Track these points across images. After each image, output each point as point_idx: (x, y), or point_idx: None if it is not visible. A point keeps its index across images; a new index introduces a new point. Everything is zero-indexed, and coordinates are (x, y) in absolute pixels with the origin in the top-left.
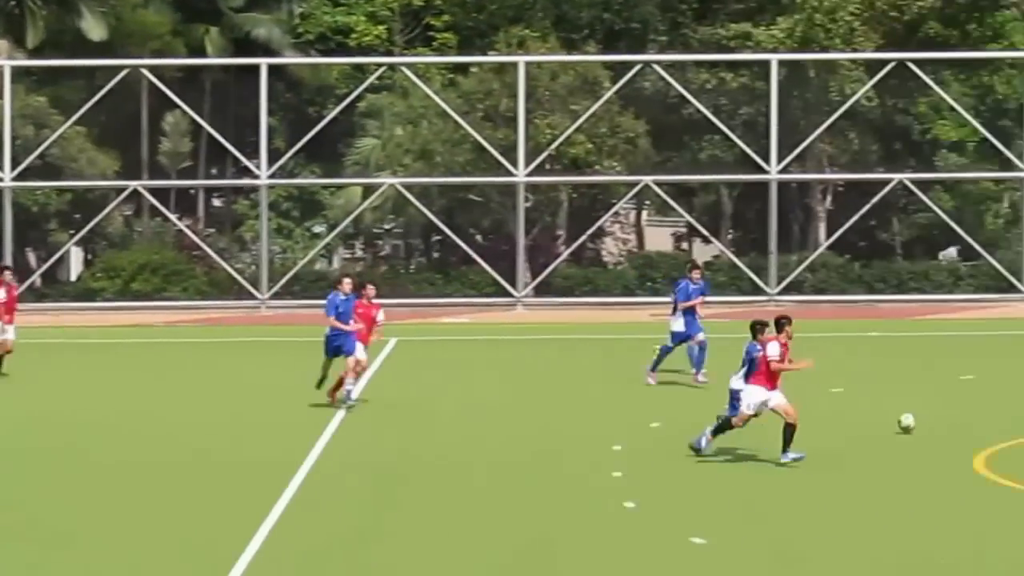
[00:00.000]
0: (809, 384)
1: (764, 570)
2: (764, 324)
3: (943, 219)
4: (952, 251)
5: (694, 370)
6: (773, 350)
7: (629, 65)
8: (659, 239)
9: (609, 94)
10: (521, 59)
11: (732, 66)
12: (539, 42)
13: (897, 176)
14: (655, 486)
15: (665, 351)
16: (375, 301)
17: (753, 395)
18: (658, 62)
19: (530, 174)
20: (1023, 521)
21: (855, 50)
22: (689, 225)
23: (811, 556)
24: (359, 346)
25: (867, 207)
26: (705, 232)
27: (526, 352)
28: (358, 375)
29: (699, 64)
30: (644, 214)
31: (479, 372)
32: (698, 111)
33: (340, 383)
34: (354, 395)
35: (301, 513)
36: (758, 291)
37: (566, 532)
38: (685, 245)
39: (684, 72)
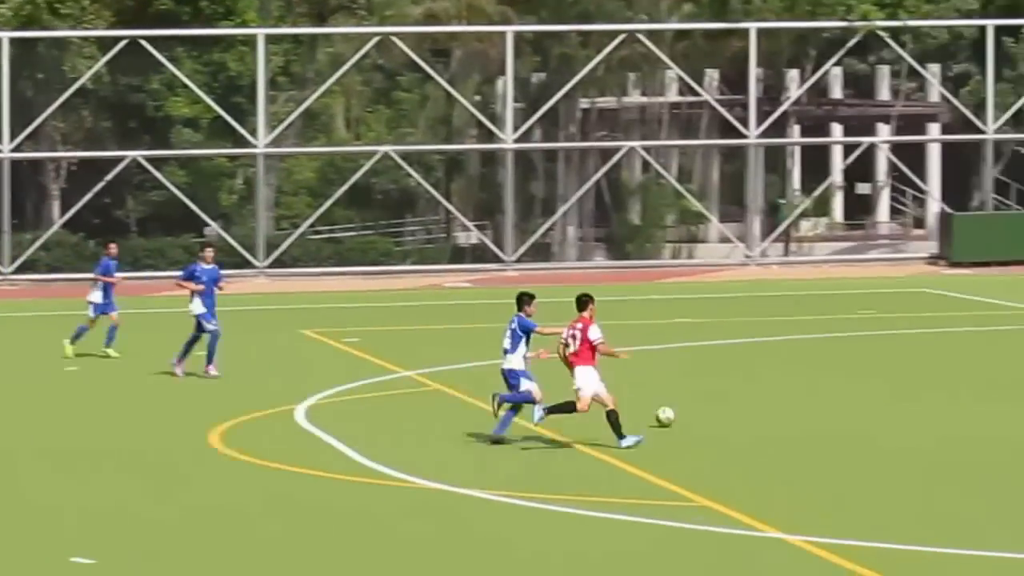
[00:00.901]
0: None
1: None
2: (532, 296)
3: (179, 196)
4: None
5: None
6: (596, 333)
7: None
8: None
9: None
10: None
11: None
12: None
13: (131, 154)
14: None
15: (193, 339)
16: None
17: (590, 377)
18: None
19: None
20: (254, 491)
21: (87, 28)
22: None
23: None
24: None
25: (100, 185)
26: None
27: None
28: None
29: None
30: None
31: None
32: None
33: None
34: None
35: None
36: None
37: None
38: None
39: None
